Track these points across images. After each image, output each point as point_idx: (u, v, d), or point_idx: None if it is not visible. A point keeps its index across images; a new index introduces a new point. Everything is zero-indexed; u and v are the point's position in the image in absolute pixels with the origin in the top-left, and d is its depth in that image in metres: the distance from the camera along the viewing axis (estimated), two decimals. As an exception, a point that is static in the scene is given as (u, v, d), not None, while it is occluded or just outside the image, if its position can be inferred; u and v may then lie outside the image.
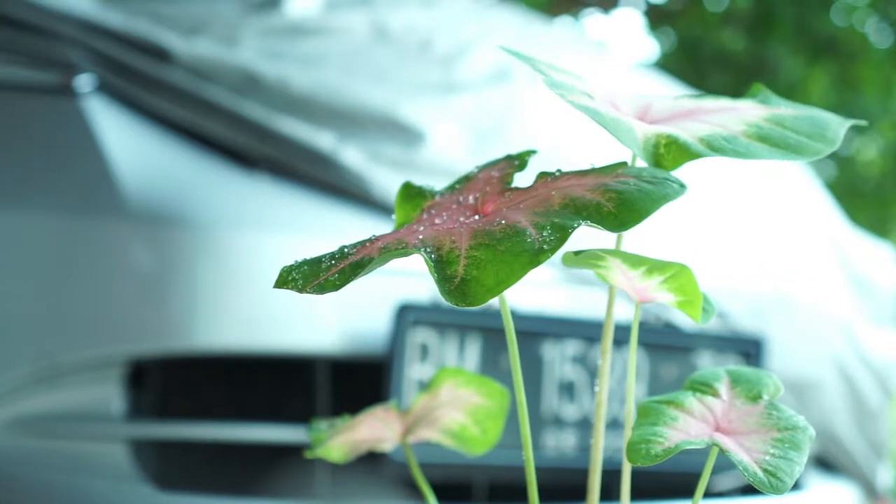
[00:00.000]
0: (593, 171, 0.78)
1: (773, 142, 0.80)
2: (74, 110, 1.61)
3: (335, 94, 1.75)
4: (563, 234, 0.71)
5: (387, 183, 1.68)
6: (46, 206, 1.55)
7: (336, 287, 0.73)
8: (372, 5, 2.13)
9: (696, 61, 8.14)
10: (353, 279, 0.73)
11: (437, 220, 0.79)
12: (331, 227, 1.65)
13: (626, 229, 0.71)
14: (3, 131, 1.62)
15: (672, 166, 0.77)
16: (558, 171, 0.81)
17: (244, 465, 1.69)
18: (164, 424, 1.58)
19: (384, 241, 0.76)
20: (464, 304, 0.68)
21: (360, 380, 1.66)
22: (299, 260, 0.78)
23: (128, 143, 1.62)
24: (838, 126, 0.83)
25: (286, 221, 1.64)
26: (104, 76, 1.66)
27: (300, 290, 0.74)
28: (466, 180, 0.88)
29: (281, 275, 0.77)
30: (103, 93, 1.65)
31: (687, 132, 0.79)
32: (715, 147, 0.78)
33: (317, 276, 0.75)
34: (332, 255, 0.77)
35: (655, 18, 8.76)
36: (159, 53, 1.70)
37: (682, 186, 0.74)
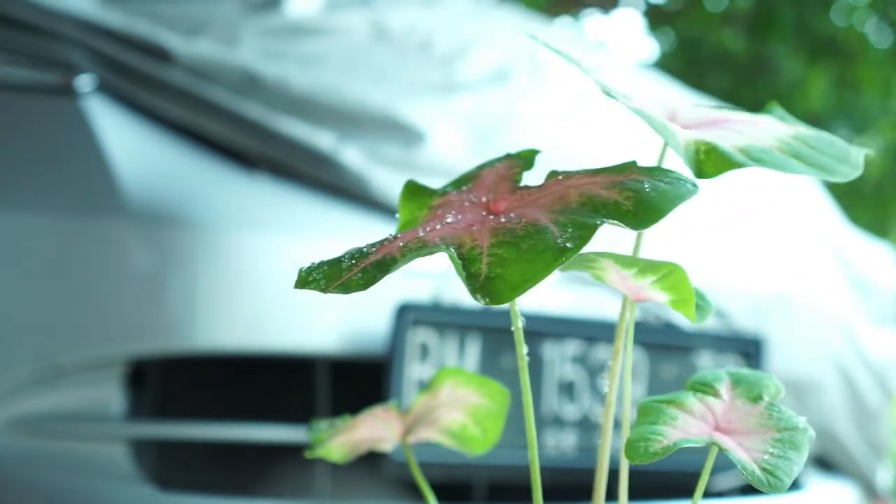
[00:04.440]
0: (605, 170, 0.78)
1: (805, 159, 0.80)
2: (74, 110, 1.61)
3: (335, 94, 1.75)
4: (586, 231, 0.71)
5: (387, 183, 1.68)
6: (46, 206, 1.55)
7: (361, 287, 0.72)
8: (372, 5, 2.13)
9: (695, 61, 8.14)
10: (378, 279, 0.72)
11: (449, 219, 0.79)
12: (331, 227, 1.65)
13: (645, 227, 0.72)
14: (3, 131, 1.62)
15: (712, 174, 0.77)
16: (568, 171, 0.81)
17: (244, 465, 1.69)
18: (164, 424, 1.58)
19: (404, 240, 0.75)
20: (491, 302, 0.68)
21: (360, 380, 1.66)
22: (317, 261, 0.78)
23: (128, 143, 1.62)
24: (857, 154, 0.84)
25: (286, 221, 1.64)
26: (104, 76, 1.66)
27: (323, 290, 0.73)
28: (472, 179, 0.88)
29: (300, 275, 0.76)
30: (103, 93, 1.65)
31: (725, 141, 0.79)
32: (754, 157, 0.78)
33: (338, 276, 0.74)
34: (351, 255, 0.76)
35: (655, 18, 8.77)
36: (159, 53, 1.70)
37: (695, 186, 0.74)
